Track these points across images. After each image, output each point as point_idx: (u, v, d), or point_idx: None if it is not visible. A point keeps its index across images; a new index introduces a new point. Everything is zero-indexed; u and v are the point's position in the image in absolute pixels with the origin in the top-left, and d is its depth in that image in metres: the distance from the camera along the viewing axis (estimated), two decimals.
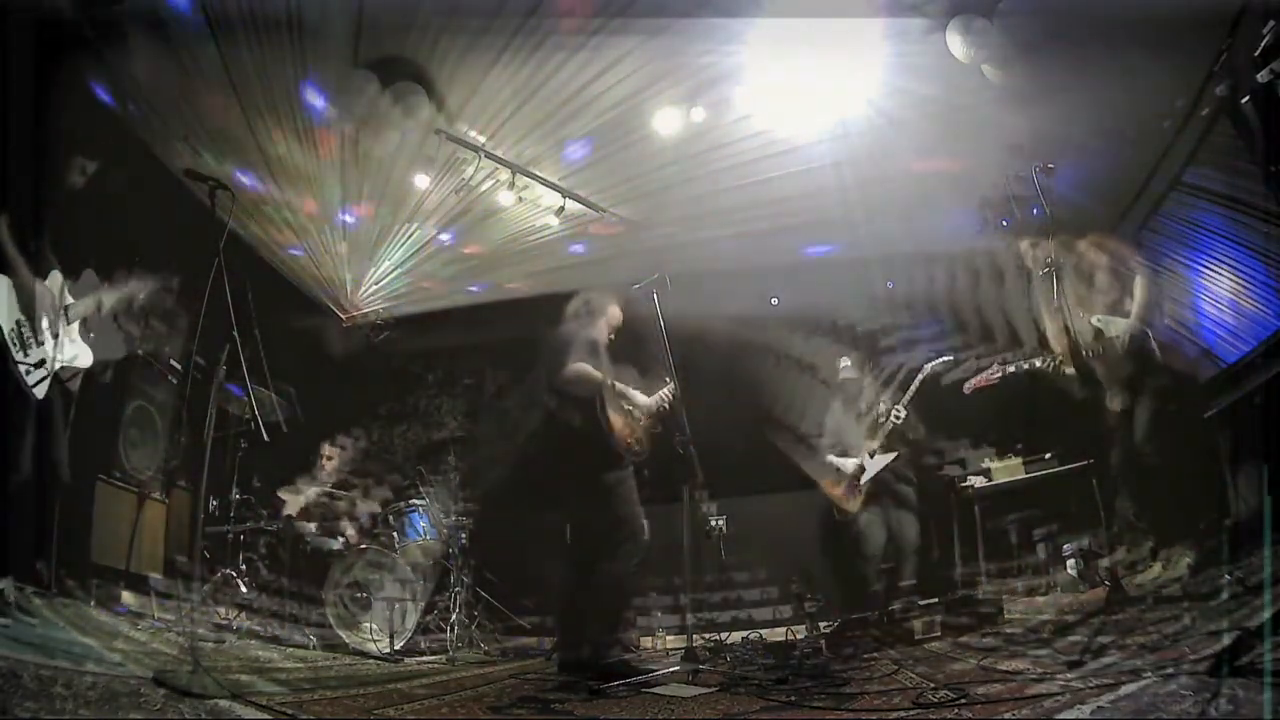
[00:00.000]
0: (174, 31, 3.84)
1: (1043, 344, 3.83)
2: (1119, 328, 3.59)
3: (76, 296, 3.30)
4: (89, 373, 3.54)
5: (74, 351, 3.24)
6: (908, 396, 4.47)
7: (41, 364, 3.05)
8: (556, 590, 3.87)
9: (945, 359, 4.55)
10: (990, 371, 3.97)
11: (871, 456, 4.48)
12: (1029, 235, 3.72)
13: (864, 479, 4.48)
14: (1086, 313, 3.66)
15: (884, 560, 4.48)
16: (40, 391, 3.02)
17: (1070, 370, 3.60)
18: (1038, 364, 3.77)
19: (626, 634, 3.58)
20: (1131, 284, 3.65)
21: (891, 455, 4.47)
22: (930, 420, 4.67)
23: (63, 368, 3.16)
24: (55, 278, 3.23)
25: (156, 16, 3.74)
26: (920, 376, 4.49)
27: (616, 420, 3.49)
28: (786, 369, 5.83)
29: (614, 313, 3.79)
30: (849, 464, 4.54)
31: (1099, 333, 3.61)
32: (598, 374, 3.46)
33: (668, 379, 3.66)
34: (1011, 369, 3.90)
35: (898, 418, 4.44)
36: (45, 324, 3.11)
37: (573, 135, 4.72)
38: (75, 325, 3.27)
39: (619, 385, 3.54)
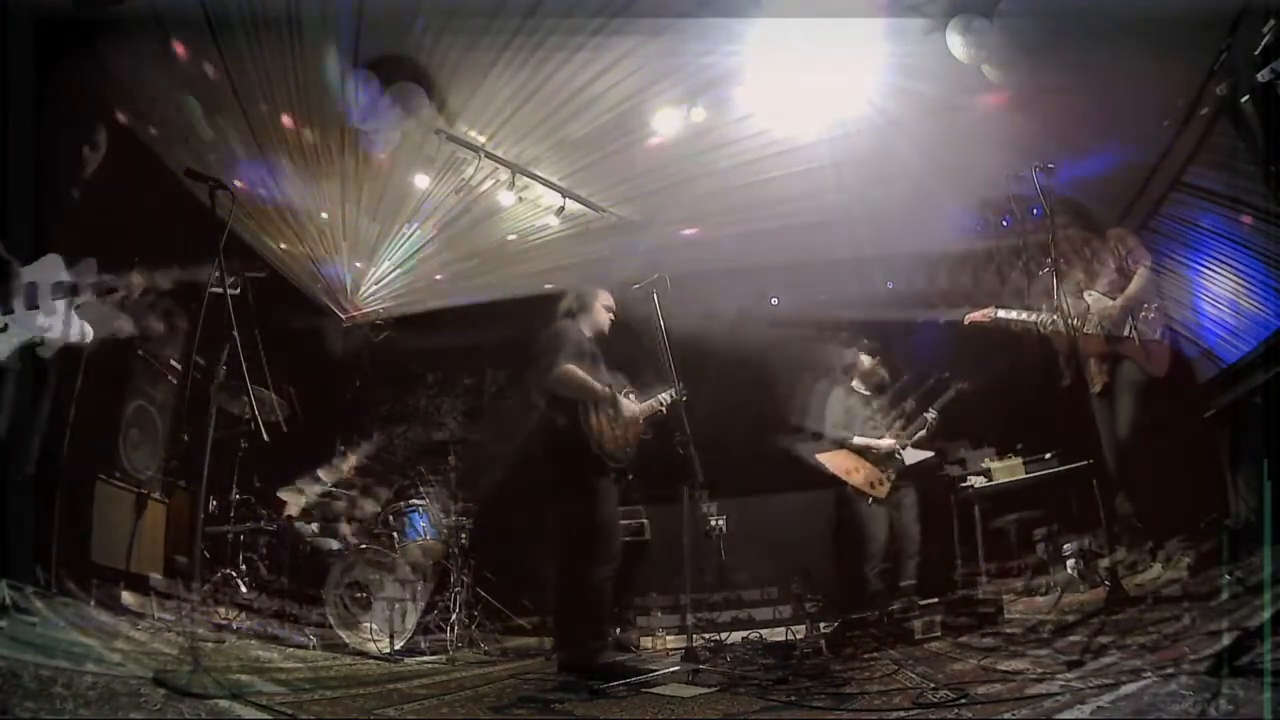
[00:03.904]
0: (174, 31, 3.84)
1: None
2: (1104, 306, 3.73)
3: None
4: (89, 373, 3.53)
5: (71, 328, 3.06)
6: (941, 403, 4.63)
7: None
8: (551, 590, 3.88)
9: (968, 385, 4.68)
10: (986, 311, 4.04)
11: (903, 449, 4.59)
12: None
13: (897, 467, 4.59)
14: (1086, 288, 3.82)
15: (885, 560, 4.49)
16: None
17: (1053, 330, 3.72)
18: (1027, 318, 3.85)
19: (613, 636, 3.56)
20: (1132, 278, 3.73)
21: (929, 454, 4.63)
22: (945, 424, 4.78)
23: (50, 341, 3.00)
24: (55, 260, 3.08)
25: (157, 16, 3.74)
26: (956, 388, 4.64)
27: (602, 424, 3.48)
28: (787, 367, 5.82)
29: (605, 302, 3.79)
30: (884, 443, 4.61)
31: (1087, 307, 3.77)
32: (585, 377, 3.45)
33: (673, 384, 3.66)
34: (1002, 314, 3.96)
35: (933, 422, 4.61)
36: (23, 296, 2.94)
37: (573, 135, 4.72)
38: (67, 303, 3.05)
39: (608, 390, 3.52)
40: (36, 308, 2.96)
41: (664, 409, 3.65)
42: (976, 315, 4.08)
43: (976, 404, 4.85)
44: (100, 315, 3.18)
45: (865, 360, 4.91)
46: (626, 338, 3.92)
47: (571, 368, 3.44)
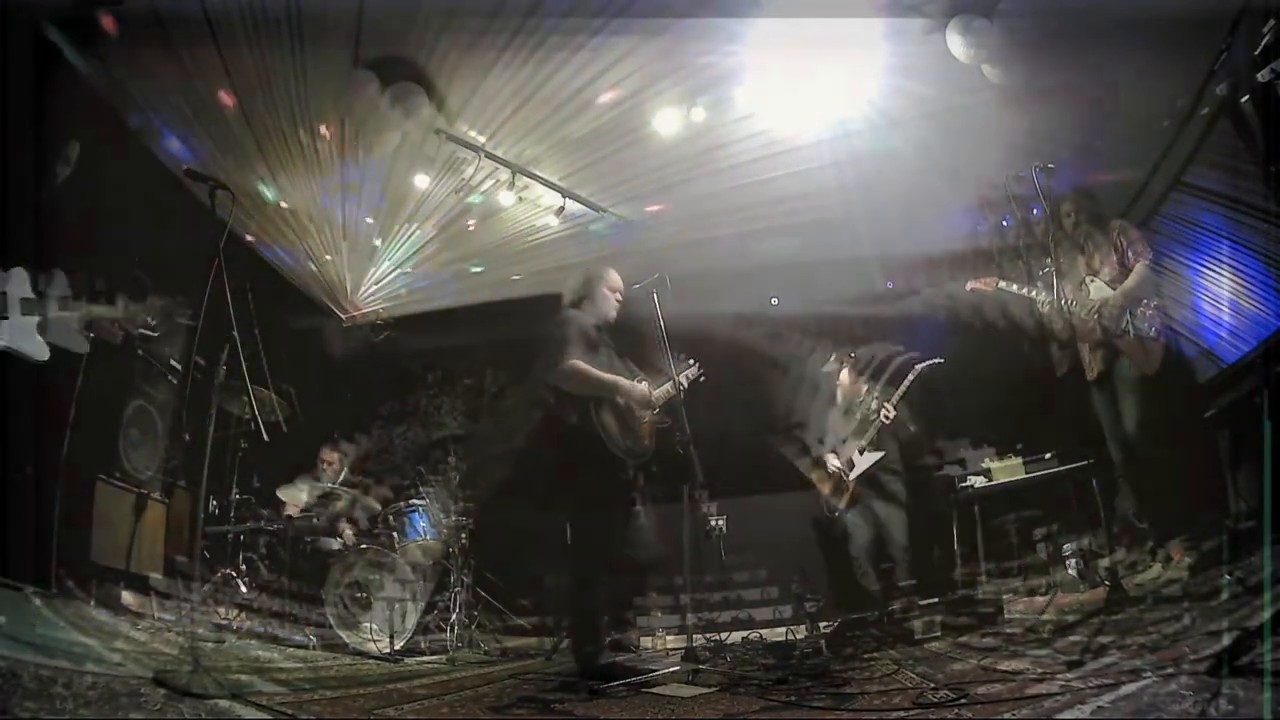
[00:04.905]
0: (174, 32, 3.85)
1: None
2: (1103, 294, 3.75)
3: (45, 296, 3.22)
4: (88, 371, 3.53)
5: (28, 342, 3.15)
6: (898, 395, 4.43)
7: None
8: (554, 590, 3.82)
9: (936, 360, 4.50)
10: (988, 279, 4.03)
11: (860, 454, 4.45)
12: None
13: (851, 475, 4.44)
14: (1088, 275, 3.83)
15: (877, 559, 4.45)
16: None
17: (1050, 312, 3.75)
18: (1028, 293, 3.84)
19: (611, 637, 3.48)
20: (1131, 271, 3.75)
21: (879, 454, 4.42)
22: (925, 419, 4.63)
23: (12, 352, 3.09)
24: (20, 274, 3.15)
25: (157, 16, 3.74)
26: (911, 376, 4.45)
27: (615, 418, 3.34)
28: (784, 370, 5.82)
29: (610, 285, 3.61)
30: (834, 461, 4.54)
31: (1088, 294, 3.79)
32: (592, 371, 3.30)
33: (691, 361, 3.59)
34: (1003, 285, 3.96)
35: (887, 416, 4.40)
36: None
37: (573, 135, 4.72)
38: (33, 319, 3.16)
39: (619, 380, 3.36)
40: (6, 318, 3.01)
41: (681, 392, 3.47)
42: (979, 283, 4.07)
43: (976, 402, 4.83)
44: (64, 328, 3.23)
45: (845, 375, 4.81)
46: (628, 336, 3.86)
47: (577, 362, 3.27)
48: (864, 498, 4.45)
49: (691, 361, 3.65)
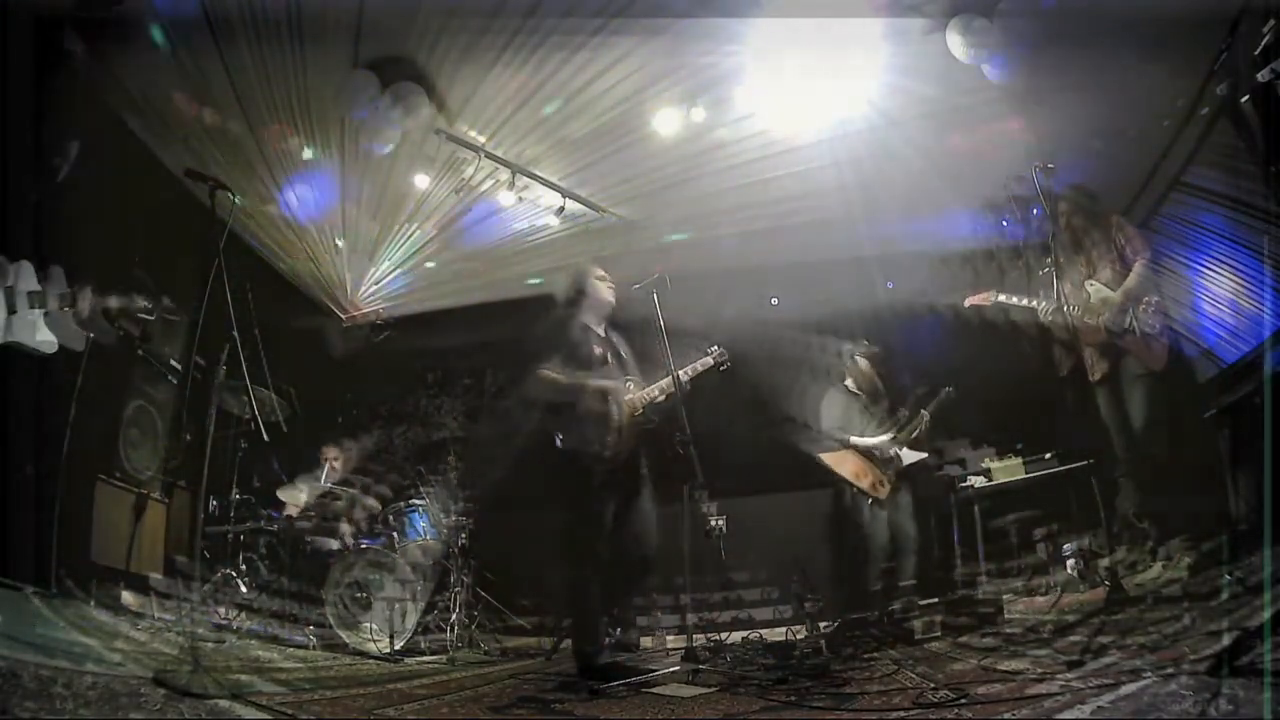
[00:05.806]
0: (174, 31, 3.85)
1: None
2: (1103, 296, 3.75)
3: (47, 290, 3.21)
4: (88, 371, 3.54)
5: (41, 335, 3.15)
6: (934, 405, 4.57)
7: None
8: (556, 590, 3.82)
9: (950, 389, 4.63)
10: (986, 294, 4.03)
11: (901, 449, 4.54)
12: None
13: (904, 465, 4.54)
14: (1087, 278, 3.83)
15: (886, 560, 4.48)
16: None
17: (1052, 320, 3.75)
18: (1027, 303, 3.85)
19: (612, 637, 3.45)
20: (1131, 269, 3.76)
21: (924, 455, 4.56)
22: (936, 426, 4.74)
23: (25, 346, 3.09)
24: (27, 267, 3.15)
25: (157, 16, 3.74)
26: (947, 390, 4.59)
27: (579, 423, 3.27)
28: (786, 366, 5.82)
29: (597, 275, 3.58)
30: (886, 443, 4.56)
31: (1089, 297, 3.79)
32: (556, 378, 3.26)
33: (712, 348, 3.58)
34: (1002, 299, 3.96)
35: (925, 423, 4.55)
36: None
37: (573, 135, 4.72)
38: (39, 312, 3.15)
39: (585, 381, 3.29)
40: (15, 312, 3.01)
41: (684, 386, 3.40)
42: (977, 298, 4.07)
43: (976, 404, 4.83)
44: (62, 324, 3.21)
45: (863, 363, 4.86)
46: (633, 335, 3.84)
47: (544, 371, 3.27)
48: (896, 493, 4.50)
49: (712, 349, 3.59)
